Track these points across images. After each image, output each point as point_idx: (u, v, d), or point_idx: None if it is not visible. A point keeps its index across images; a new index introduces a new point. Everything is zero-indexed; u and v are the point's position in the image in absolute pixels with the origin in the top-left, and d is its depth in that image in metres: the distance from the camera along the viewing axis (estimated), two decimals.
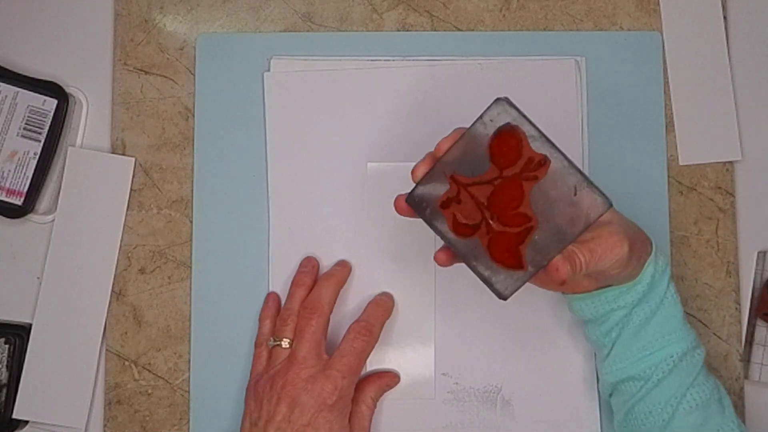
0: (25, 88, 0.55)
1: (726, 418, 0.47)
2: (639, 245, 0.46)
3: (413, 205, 0.44)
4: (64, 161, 0.56)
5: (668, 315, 0.48)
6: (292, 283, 0.53)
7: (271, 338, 0.51)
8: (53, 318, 0.55)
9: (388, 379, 0.55)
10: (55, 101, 0.55)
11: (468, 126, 0.44)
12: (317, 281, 0.53)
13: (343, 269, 0.54)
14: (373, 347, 0.51)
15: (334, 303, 0.51)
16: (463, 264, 0.45)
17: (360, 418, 0.51)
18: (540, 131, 0.43)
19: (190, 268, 0.56)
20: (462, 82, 0.57)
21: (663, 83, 0.58)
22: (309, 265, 0.53)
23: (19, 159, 0.55)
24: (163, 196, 0.57)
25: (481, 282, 0.44)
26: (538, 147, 0.43)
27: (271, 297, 0.55)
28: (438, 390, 0.56)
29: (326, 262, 0.56)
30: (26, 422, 0.55)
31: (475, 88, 0.57)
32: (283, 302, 0.54)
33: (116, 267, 0.56)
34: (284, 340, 0.50)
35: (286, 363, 0.49)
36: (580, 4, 0.58)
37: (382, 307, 0.52)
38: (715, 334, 0.56)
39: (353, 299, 0.56)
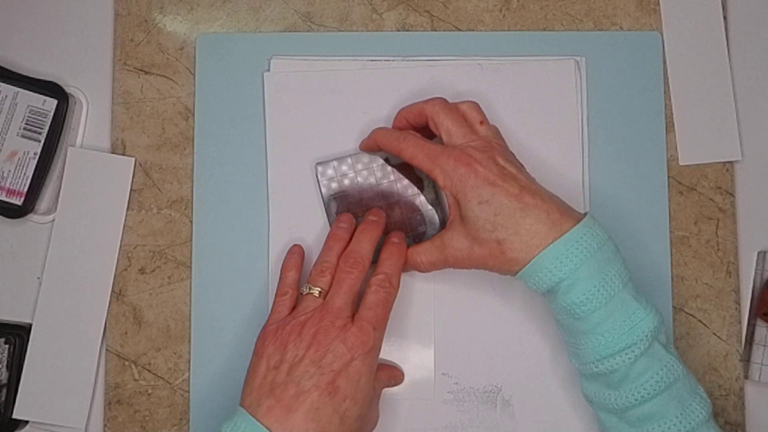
0: (25, 88, 0.55)
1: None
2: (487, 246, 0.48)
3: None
4: (64, 161, 0.56)
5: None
6: (329, 237, 0.52)
7: (307, 285, 0.51)
8: (53, 318, 0.55)
9: (396, 373, 0.55)
10: (55, 101, 0.55)
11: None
12: (354, 234, 0.52)
13: (378, 221, 0.53)
14: (395, 297, 0.51)
15: (372, 256, 0.51)
16: None
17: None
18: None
19: (190, 268, 0.56)
20: (462, 82, 0.57)
21: (663, 83, 0.58)
22: (348, 221, 0.53)
23: (19, 159, 0.55)
24: (163, 196, 0.57)
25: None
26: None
27: (296, 249, 0.55)
28: (438, 390, 0.56)
29: None
30: (26, 422, 0.55)
31: (475, 88, 0.57)
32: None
33: (116, 267, 0.56)
34: (316, 289, 0.50)
35: (319, 311, 0.49)
36: (580, 4, 0.58)
37: (395, 255, 0.51)
38: (715, 334, 0.56)
39: None
